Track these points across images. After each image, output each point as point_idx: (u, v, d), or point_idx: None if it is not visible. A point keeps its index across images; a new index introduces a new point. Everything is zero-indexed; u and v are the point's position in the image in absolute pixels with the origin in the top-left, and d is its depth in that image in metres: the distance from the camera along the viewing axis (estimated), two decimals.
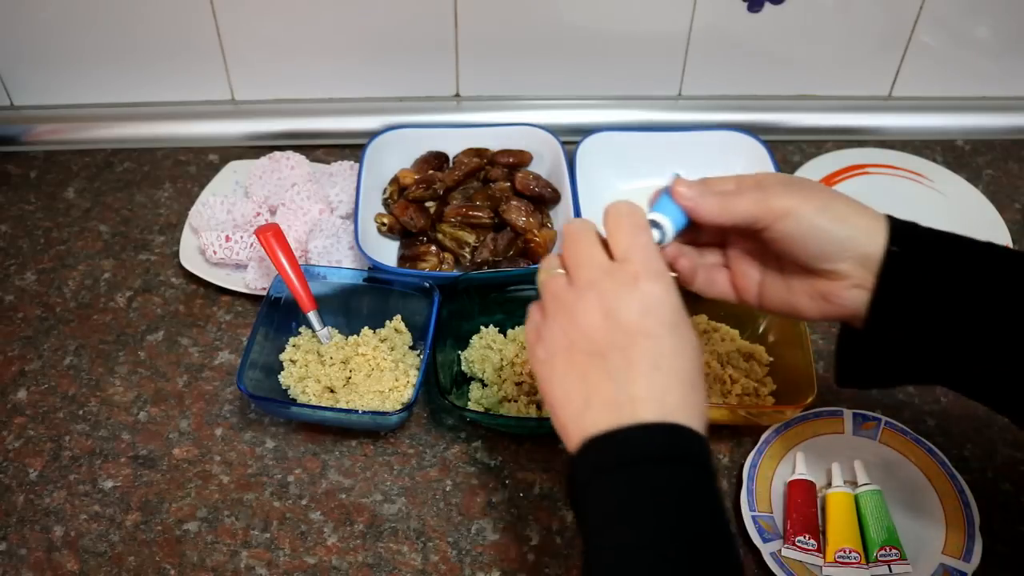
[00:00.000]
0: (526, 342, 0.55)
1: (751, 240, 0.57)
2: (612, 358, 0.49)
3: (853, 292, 0.54)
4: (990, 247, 0.54)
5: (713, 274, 0.60)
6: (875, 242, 0.53)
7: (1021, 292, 0.52)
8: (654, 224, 0.54)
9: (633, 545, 0.45)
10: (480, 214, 0.89)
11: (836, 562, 0.66)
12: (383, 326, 0.82)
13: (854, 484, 0.71)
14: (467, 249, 0.88)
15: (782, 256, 0.56)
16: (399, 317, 0.82)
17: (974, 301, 0.52)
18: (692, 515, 0.46)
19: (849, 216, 0.54)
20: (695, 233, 0.58)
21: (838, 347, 0.58)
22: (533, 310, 0.54)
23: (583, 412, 0.49)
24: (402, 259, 0.88)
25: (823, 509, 0.70)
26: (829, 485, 0.72)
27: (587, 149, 0.95)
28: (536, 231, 0.88)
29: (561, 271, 0.53)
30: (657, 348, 0.49)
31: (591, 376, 0.49)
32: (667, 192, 0.55)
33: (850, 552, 0.67)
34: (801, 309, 0.57)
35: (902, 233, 0.54)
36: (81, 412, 0.79)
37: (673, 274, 0.53)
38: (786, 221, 0.53)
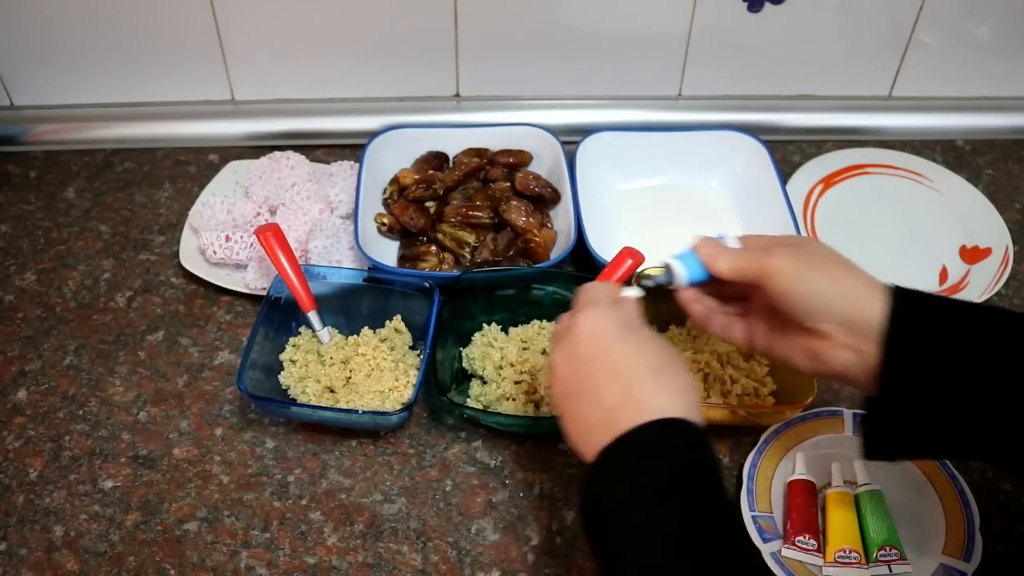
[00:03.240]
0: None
1: (765, 295, 0.61)
2: (587, 387, 0.56)
3: (840, 353, 0.57)
4: (995, 310, 0.56)
5: (732, 322, 0.65)
6: (865, 306, 0.55)
7: None
8: (665, 267, 0.64)
9: (627, 551, 0.50)
10: (480, 214, 0.89)
11: (836, 562, 0.66)
12: (383, 326, 0.82)
13: (854, 484, 0.71)
14: (467, 249, 0.88)
15: (778, 311, 0.60)
16: (399, 317, 0.82)
17: (988, 365, 0.53)
18: (678, 498, 0.51)
19: (840, 279, 0.57)
20: (720, 285, 0.63)
21: (862, 418, 0.59)
22: None
23: (590, 440, 0.55)
24: (402, 259, 0.88)
25: (823, 509, 0.70)
26: (829, 485, 0.72)
27: (587, 149, 0.95)
28: (536, 231, 0.88)
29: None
30: (611, 359, 0.56)
31: (583, 410, 0.56)
32: (693, 251, 0.64)
33: (850, 552, 0.67)
34: (797, 364, 0.61)
35: (905, 295, 0.56)
36: (81, 412, 0.79)
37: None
38: (778, 279, 0.58)
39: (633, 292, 0.64)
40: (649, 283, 0.64)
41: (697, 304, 0.65)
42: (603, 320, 0.58)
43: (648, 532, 0.50)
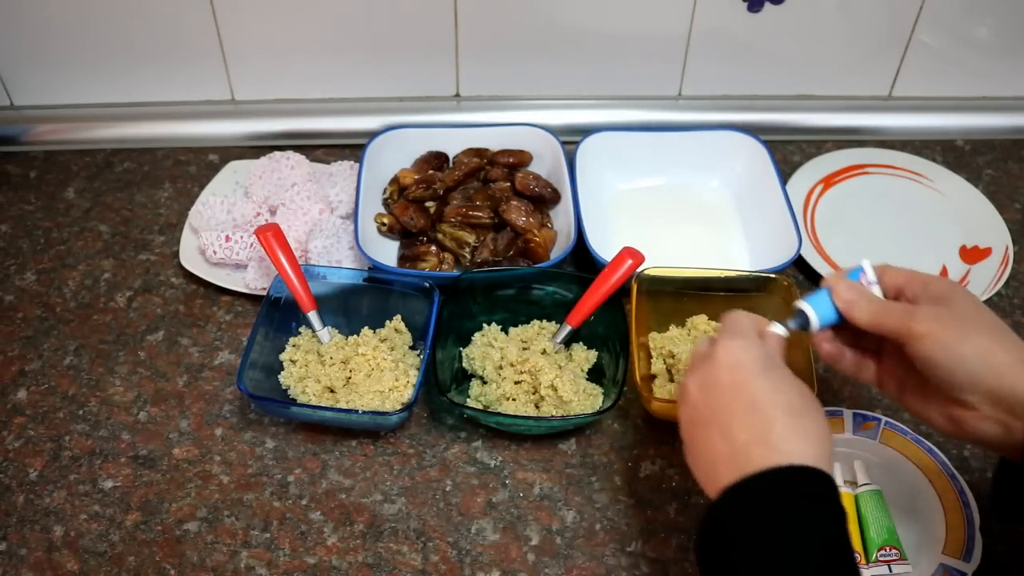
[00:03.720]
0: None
1: (905, 351, 0.58)
2: (718, 420, 0.54)
3: (986, 424, 0.55)
4: None
5: (864, 360, 0.63)
6: (1015, 382, 0.53)
7: None
8: (798, 312, 0.61)
9: None
10: (480, 214, 0.89)
11: None
12: (383, 326, 0.82)
13: (854, 484, 0.71)
14: (467, 249, 0.88)
15: (920, 373, 0.57)
16: (399, 317, 0.82)
17: None
18: (804, 548, 0.49)
19: (990, 351, 0.54)
20: (854, 328, 0.60)
21: (996, 481, 0.58)
22: None
23: (715, 474, 0.54)
24: (402, 259, 0.88)
25: None
26: (843, 482, 0.72)
27: (587, 149, 0.95)
28: (536, 231, 0.88)
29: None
30: (749, 393, 0.54)
31: (710, 442, 0.55)
32: (828, 289, 0.60)
33: None
34: (934, 423, 0.59)
35: None
36: (81, 412, 0.79)
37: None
38: (922, 343, 0.55)
39: (779, 330, 0.60)
40: (781, 331, 0.60)
41: (829, 344, 0.62)
42: (747, 352, 0.56)
43: None
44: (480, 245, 0.88)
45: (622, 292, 0.79)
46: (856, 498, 0.70)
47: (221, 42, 0.99)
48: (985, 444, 0.56)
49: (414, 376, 0.77)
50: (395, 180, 0.93)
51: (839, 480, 0.71)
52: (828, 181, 0.99)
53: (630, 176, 0.98)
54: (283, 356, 0.80)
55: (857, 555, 0.66)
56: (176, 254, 0.90)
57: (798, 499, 0.50)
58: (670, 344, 0.79)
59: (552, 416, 0.75)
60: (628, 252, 0.78)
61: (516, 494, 0.73)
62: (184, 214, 0.94)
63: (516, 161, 0.95)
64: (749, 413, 0.53)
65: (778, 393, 0.54)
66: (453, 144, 0.97)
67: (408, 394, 0.76)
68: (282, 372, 0.79)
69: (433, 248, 0.88)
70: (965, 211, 0.96)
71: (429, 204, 0.91)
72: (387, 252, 0.89)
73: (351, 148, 1.02)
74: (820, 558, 0.48)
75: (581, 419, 0.74)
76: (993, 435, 0.55)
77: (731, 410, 0.54)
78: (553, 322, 0.82)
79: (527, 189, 0.91)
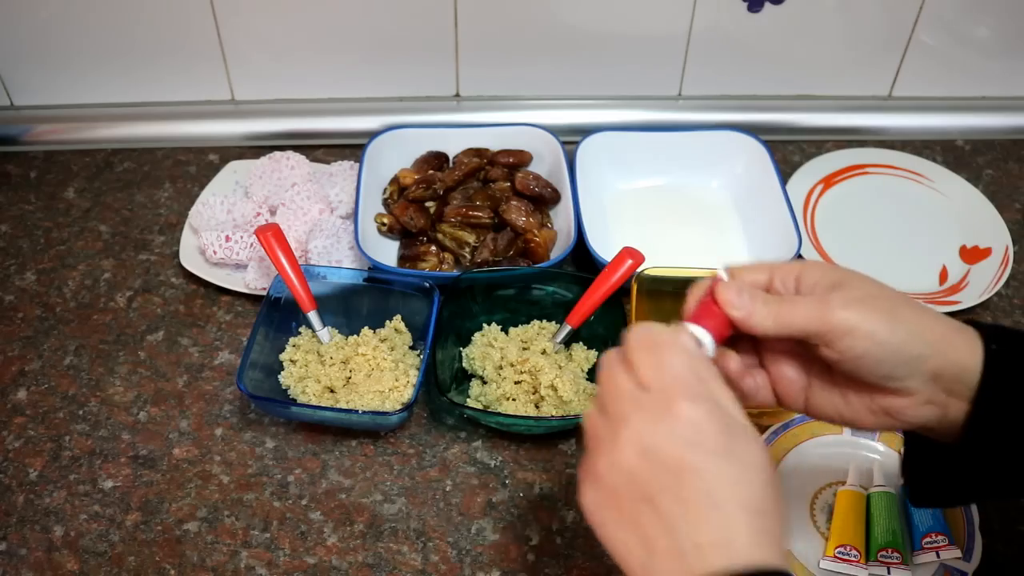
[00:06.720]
0: (578, 481, 0.49)
1: (792, 342, 0.51)
2: (662, 502, 0.43)
3: (924, 410, 0.49)
4: None
5: (749, 379, 0.52)
6: (956, 358, 0.48)
7: None
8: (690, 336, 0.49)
9: None
10: (480, 214, 0.89)
11: (835, 557, 0.67)
12: (383, 326, 0.82)
13: (870, 485, 0.71)
14: (467, 249, 0.88)
15: (839, 371, 0.50)
16: (399, 317, 0.82)
17: None
18: None
19: (924, 331, 0.48)
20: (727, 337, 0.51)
21: (909, 466, 0.54)
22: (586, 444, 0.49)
23: (649, 565, 0.44)
24: (402, 259, 0.88)
25: (832, 506, 0.70)
26: (835, 484, 0.72)
27: (587, 149, 0.95)
28: (536, 231, 0.88)
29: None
30: (709, 482, 0.43)
31: (644, 525, 0.44)
32: (709, 297, 0.50)
33: (850, 550, 0.67)
34: (858, 421, 0.51)
35: (995, 333, 0.49)
36: (81, 412, 0.79)
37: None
38: (850, 339, 0.47)
39: (711, 349, 0.49)
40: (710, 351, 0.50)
41: (732, 362, 0.51)
42: (707, 423, 0.44)
43: None
44: (480, 245, 0.88)
45: (622, 292, 0.79)
46: (868, 497, 0.70)
47: (221, 42, 0.99)
48: (919, 431, 0.51)
49: (414, 376, 0.77)
50: (395, 180, 0.93)
51: (854, 479, 0.71)
52: (828, 181, 0.99)
53: (630, 176, 0.98)
54: (283, 356, 0.80)
55: (857, 554, 0.66)
56: (176, 254, 0.90)
57: None
58: None
59: (552, 416, 0.75)
60: (628, 252, 0.78)
61: (516, 494, 0.73)
62: (184, 214, 0.94)
63: (516, 161, 0.95)
64: (708, 511, 0.42)
65: (741, 485, 0.43)
66: (453, 144, 0.97)
67: (408, 394, 0.76)
68: (282, 372, 0.79)
69: (433, 248, 0.88)
70: (965, 211, 0.96)
71: (429, 204, 0.91)
72: (387, 252, 0.89)
73: (351, 148, 1.02)
74: None
75: (581, 419, 0.74)
76: (929, 419, 0.49)
77: (682, 499, 0.43)
78: (553, 322, 0.82)
79: (527, 189, 0.91)
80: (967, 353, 0.48)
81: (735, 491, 0.43)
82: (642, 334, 0.47)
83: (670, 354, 0.46)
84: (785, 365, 0.52)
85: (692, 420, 0.44)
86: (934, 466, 0.52)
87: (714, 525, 0.42)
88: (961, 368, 0.48)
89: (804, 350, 0.52)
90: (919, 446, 0.52)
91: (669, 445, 0.44)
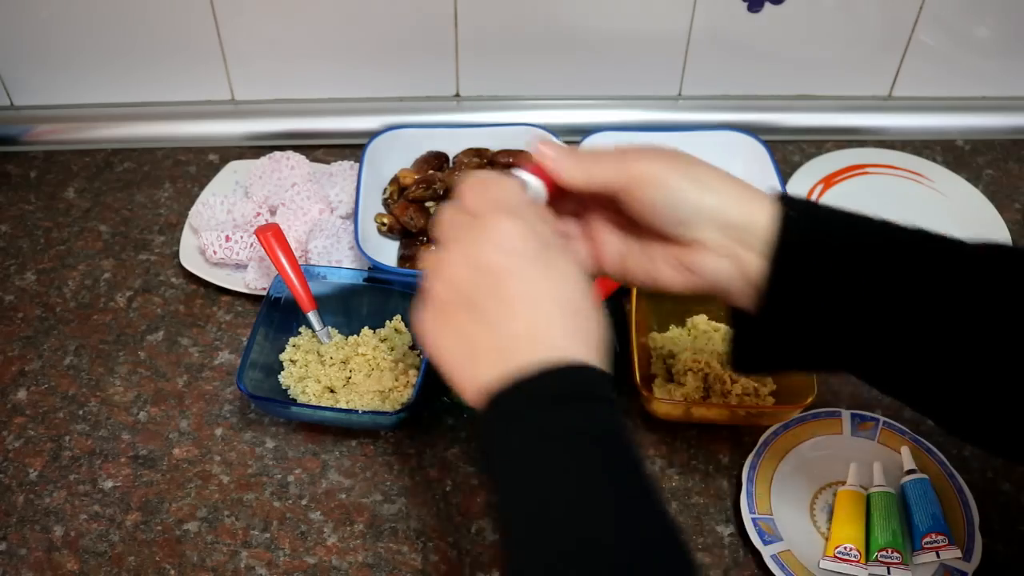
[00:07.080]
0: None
1: (610, 209, 0.56)
2: (485, 305, 0.47)
3: (718, 262, 0.52)
4: (888, 224, 0.54)
5: (573, 246, 0.57)
6: (749, 211, 0.51)
7: (921, 275, 0.51)
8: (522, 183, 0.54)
9: (538, 499, 0.44)
10: None
11: (835, 557, 0.67)
12: (383, 326, 0.82)
13: (870, 485, 0.71)
14: None
15: (642, 224, 0.54)
16: (399, 317, 0.82)
17: (875, 280, 0.50)
18: (601, 453, 0.45)
19: (716, 184, 0.52)
20: (553, 204, 0.55)
21: (733, 335, 0.56)
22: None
23: (472, 367, 0.47)
24: (402, 259, 0.88)
25: (832, 506, 0.70)
26: (835, 484, 0.72)
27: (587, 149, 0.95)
28: None
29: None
30: (527, 282, 0.47)
31: (469, 328, 0.48)
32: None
33: (851, 550, 0.67)
34: (665, 281, 0.55)
35: (794, 203, 0.52)
36: (81, 412, 0.79)
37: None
38: (647, 187, 0.52)
39: (540, 197, 0.54)
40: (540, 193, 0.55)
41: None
42: (519, 232, 0.48)
43: (538, 495, 0.44)
44: None
45: (622, 292, 0.79)
46: (868, 497, 0.70)
47: (221, 42, 0.99)
48: (712, 288, 0.53)
49: (414, 376, 0.77)
50: (395, 180, 0.93)
51: (855, 479, 0.71)
52: (828, 181, 0.99)
53: None
54: (283, 356, 0.80)
55: (858, 553, 0.67)
56: (176, 254, 0.90)
57: (575, 396, 0.46)
58: (670, 344, 0.79)
59: None
60: None
61: None
62: (184, 214, 0.94)
63: (516, 161, 0.95)
64: (522, 304, 0.47)
65: (557, 286, 0.48)
66: (453, 144, 0.97)
67: (408, 394, 0.76)
68: (282, 372, 0.79)
69: (433, 248, 0.88)
70: (965, 211, 0.96)
71: (429, 204, 0.91)
72: (387, 252, 0.89)
73: (351, 148, 1.02)
74: (598, 452, 0.45)
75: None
76: (725, 272, 0.52)
77: (501, 298, 0.47)
78: None
79: None
80: (757, 208, 0.51)
81: (550, 290, 0.48)
82: (472, 177, 0.52)
83: (494, 186, 0.51)
84: (604, 232, 0.57)
85: (510, 232, 0.48)
86: (750, 332, 0.54)
87: (530, 318, 0.47)
88: (751, 221, 0.51)
89: (617, 216, 0.55)
90: (739, 316, 0.55)
91: (490, 253, 0.48)
